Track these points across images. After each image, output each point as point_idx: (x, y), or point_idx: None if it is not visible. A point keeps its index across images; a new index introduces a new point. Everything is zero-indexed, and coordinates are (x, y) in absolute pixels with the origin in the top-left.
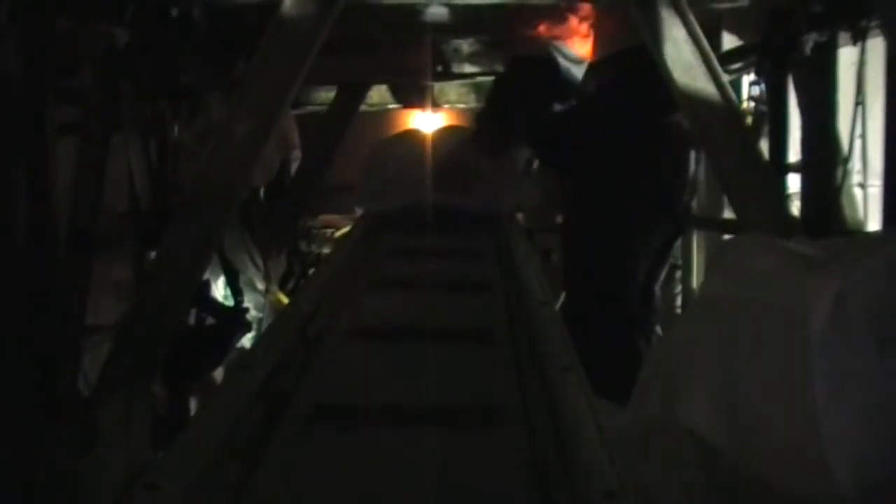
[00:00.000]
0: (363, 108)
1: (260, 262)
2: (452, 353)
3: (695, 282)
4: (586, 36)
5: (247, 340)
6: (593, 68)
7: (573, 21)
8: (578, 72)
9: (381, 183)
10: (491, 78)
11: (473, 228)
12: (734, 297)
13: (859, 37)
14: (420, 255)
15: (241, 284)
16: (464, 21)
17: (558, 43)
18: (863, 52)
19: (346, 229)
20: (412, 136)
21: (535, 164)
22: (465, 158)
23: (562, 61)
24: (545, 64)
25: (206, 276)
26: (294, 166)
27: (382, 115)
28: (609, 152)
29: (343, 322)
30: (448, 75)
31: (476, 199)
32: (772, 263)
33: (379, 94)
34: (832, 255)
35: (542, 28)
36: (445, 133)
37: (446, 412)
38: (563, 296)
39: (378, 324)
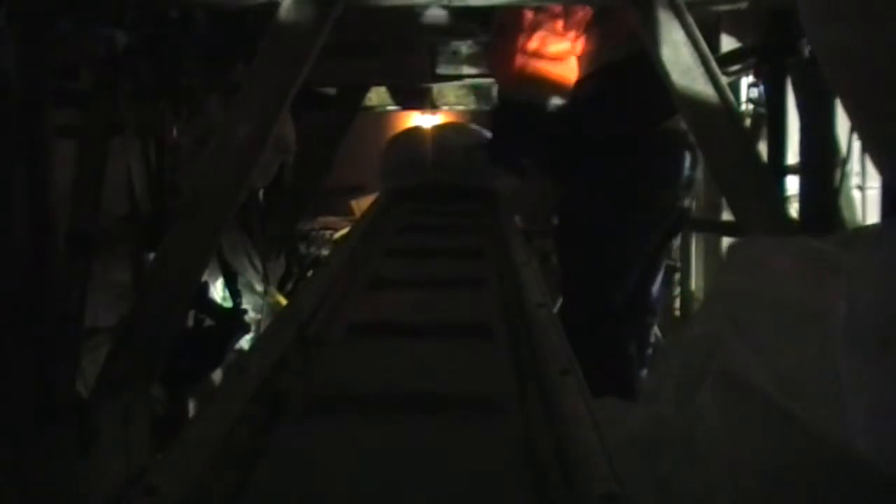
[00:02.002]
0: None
1: (259, 264)
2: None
3: (693, 284)
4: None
5: (245, 342)
6: (584, 81)
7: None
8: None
9: (396, 167)
10: (489, 80)
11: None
12: (750, 293)
13: None
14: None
15: (240, 286)
16: (462, 23)
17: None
18: None
19: (344, 231)
20: (420, 131)
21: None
22: (459, 149)
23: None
24: (527, 108)
25: (205, 277)
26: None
27: (382, 117)
28: (599, 159)
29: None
30: (447, 77)
31: (468, 179)
32: (786, 260)
33: (378, 96)
34: (842, 251)
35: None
36: (445, 128)
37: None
38: (561, 298)
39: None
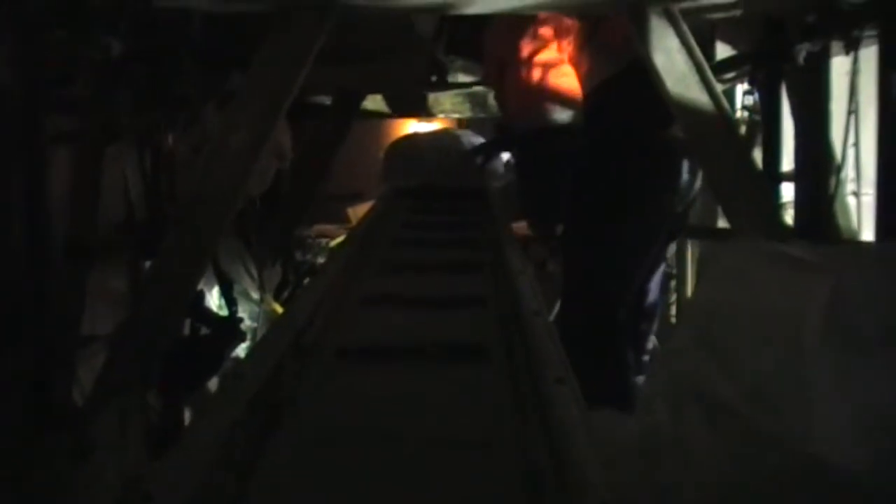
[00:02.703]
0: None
1: (255, 272)
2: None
3: (689, 290)
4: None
5: (241, 350)
6: (587, 99)
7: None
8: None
9: (398, 169)
10: (485, 88)
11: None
12: (729, 302)
13: (852, 46)
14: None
15: (236, 294)
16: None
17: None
18: (855, 62)
19: (340, 239)
20: (420, 136)
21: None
22: (455, 152)
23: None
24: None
25: (201, 286)
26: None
27: (377, 125)
28: (604, 167)
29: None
30: (443, 85)
31: (463, 180)
32: (765, 266)
33: (374, 104)
34: (825, 257)
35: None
36: (442, 133)
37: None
38: (557, 306)
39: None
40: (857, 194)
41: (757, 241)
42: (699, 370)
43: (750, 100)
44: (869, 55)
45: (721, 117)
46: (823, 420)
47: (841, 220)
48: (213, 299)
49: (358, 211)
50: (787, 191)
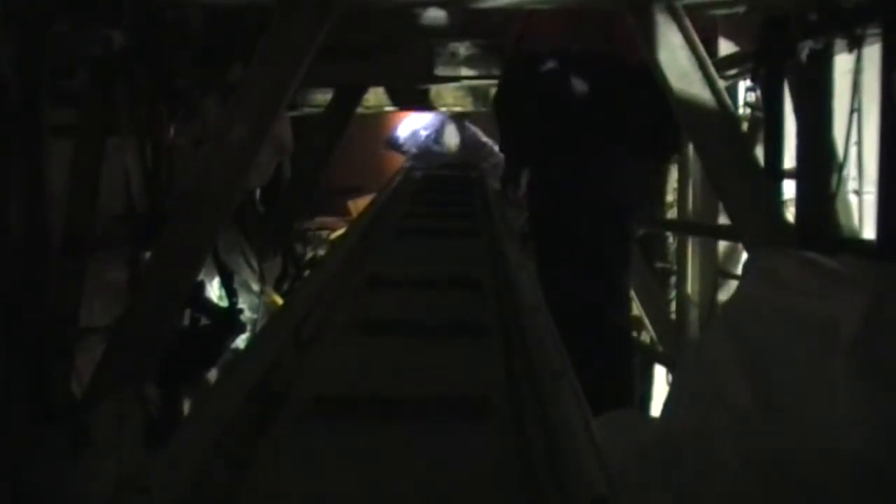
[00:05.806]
0: (360, 110)
1: (255, 264)
2: None
3: (689, 287)
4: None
5: (241, 342)
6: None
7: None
8: None
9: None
10: (487, 82)
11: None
12: (764, 306)
13: (855, 44)
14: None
15: (236, 286)
16: (461, 24)
17: None
18: (858, 60)
19: (341, 231)
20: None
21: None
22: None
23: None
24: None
25: (201, 277)
26: None
27: (379, 118)
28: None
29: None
30: (444, 78)
31: (468, 158)
32: (805, 275)
33: (376, 97)
34: (866, 273)
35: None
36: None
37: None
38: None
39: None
40: (858, 192)
41: (799, 250)
42: (726, 370)
43: (752, 97)
44: (872, 53)
45: (723, 114)
46: (845, 428)
47: (842, 219)
48: (214, 290)
49: (358, 204)
50: (789, 188)
